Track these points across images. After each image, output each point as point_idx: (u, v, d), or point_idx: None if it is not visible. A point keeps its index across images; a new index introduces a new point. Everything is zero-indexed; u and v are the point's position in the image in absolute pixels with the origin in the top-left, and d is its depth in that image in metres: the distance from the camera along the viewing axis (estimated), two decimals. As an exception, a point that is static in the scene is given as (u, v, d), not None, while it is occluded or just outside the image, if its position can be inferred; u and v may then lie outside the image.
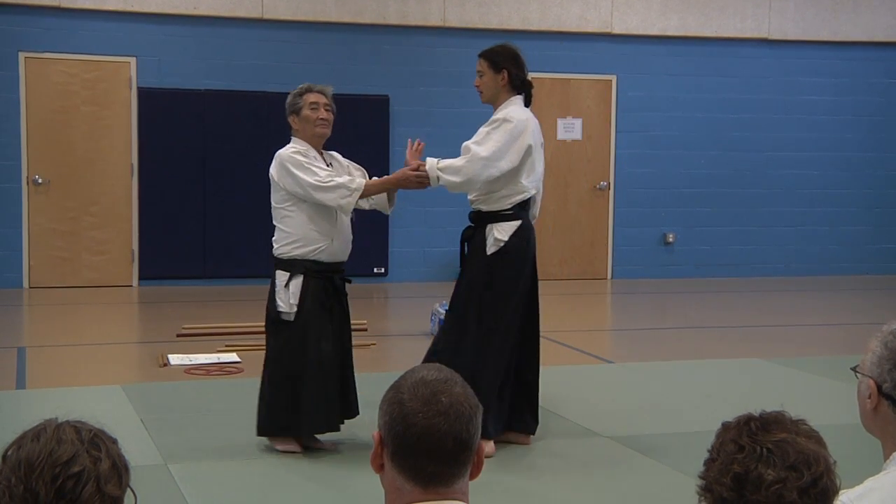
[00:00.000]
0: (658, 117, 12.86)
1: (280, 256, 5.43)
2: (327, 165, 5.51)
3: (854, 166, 13.49)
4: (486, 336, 5.45)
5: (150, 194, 11.54)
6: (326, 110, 5.55)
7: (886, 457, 2.37)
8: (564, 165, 12.73)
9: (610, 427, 6.03)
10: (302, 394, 5.31)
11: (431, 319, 8.94)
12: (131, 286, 11.53)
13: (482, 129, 5.52)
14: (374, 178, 5.57)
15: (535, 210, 5.79)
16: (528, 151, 5.51)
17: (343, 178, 5.36)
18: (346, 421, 5.54)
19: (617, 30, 12.64)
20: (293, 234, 5.39)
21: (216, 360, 7.57)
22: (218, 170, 11.58)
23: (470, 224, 5.69)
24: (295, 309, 5.32)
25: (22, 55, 11.15)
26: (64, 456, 1.72)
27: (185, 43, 11.55)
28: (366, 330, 8.88)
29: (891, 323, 2.44)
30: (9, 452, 1.75)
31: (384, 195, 5.63)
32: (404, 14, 12.02)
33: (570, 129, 12.66)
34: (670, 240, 13.02)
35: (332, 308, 5.40)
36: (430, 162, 5.49)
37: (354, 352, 8.17)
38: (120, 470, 1.77)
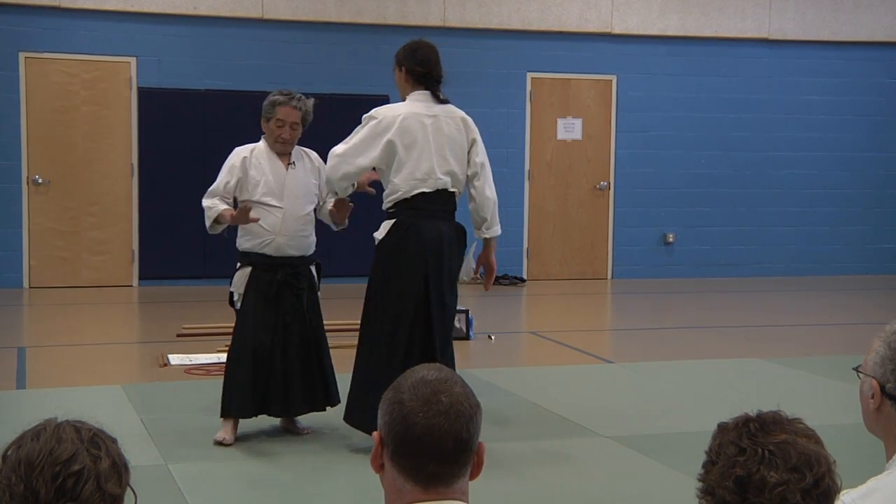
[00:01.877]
0: (658, 117, 12.85)
1: (238, 247, 5.74)
2: (288, 165, 5.69)
3: (854, 166, 13.49)
4: (363, 341, 5.42)
5: (150, 194, 11.54)
6: (293, 128, 5.67)
7: (889, 457, 2.37)
8: (564, 165, 12.73)
9: (610, 427, 6.03)
10: (233, 378, 5.58)
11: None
12: (131, 286, 11.53)
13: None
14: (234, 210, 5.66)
15: (484, 212, 5.56)
16: (391, 148, 5.35)
17: (210, 200, 5.68)
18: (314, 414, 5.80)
19: (617, 30, 12.63)
20: (244, 227, 5.64)
21: (216, 360, 7.56)
22: (218, 170, 11.55)
23: None
24: (237, 297, 5.64)
25: (22, 55, 11.14)
26: (64, 455, 1.72)
27: (185, 43, 11.55)
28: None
29: (893, 323, 2.43)
30: (9, 452, 1.75)
31: (326, 212, 5.80)
32: (404, 14, 12.01)
33: (570, 129, 12.66)
34: (670, 240, 13.02)
35: (277, 300, 5.56)
36: None
37: (354, 352, 8.18)
38: (120, 469, 1.77)
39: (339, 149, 5.46)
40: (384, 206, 5.50)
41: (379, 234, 5.43)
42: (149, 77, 11.44)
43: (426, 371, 1.97)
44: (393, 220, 5.40)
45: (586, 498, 4.98)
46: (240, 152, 5.73)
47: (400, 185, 5.39)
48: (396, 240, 5.36)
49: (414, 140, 5.38)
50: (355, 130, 5.49)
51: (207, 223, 5.69)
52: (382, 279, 5.39)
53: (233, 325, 5.76)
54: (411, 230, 5.35)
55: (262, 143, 5.75)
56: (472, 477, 1.98)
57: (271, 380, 5.56)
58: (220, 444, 5.52)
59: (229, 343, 5.76)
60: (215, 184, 5.72)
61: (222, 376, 5.67)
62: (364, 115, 5.50)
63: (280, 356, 5.57)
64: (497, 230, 5.69)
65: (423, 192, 5.39)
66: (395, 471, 1.92)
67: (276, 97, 5.69)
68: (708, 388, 7.12)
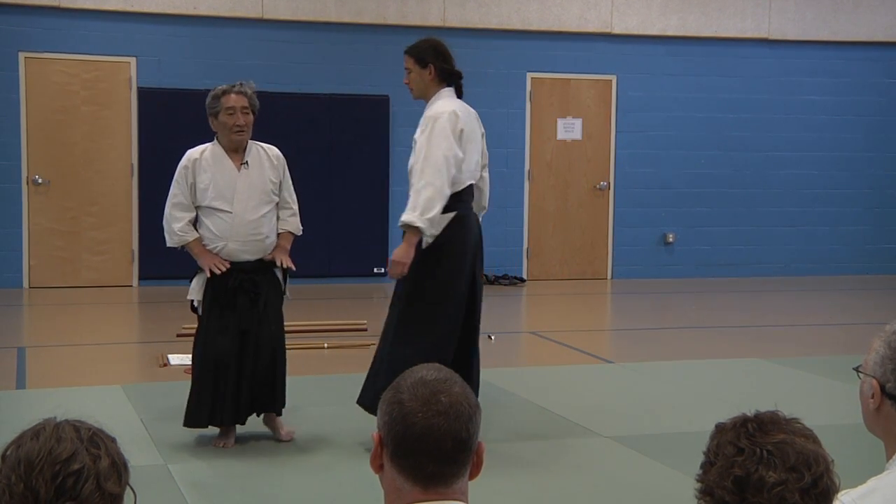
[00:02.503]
0: (658, 117, 12.85)
1: None
2: (241, 165, 5.53)
3: (854, 166, 13.49)
4: (416, 333, 5.40)
5: (150, 194, 11.53)
6: (244, 113, 5.51)
7: (889, 457, 2.37)
8: (564, 165, 12.73)
9: (610, 427, 6.03)
10: (197, 386, 5.49)
11: (431, 319, 8.92)
12: (131, 286, 11.53)
13: (419, 140, 5.40)
14: (200, 247, 5.54)
15: (484, 201, 5.77)
16: (462, 137, 5.42)
17: (182, 223, 5.54)
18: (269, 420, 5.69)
19: (617, 30, 12.63)
20: (200, 232, 5.57)
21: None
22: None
23: None
24: (196, 303, 5.52)
25: (22, 55, 11.15)
26: (64, 454, 1.72)
27: (185, 43, 11.55)
28: (366, 330, 8.88)
29: (893, 322, 2.43)
30: (8, 451, 1.76)
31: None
32: (404, 14, 12.02)
33: (570, 129, 12.66)
34: (670, 240, 13.02)
35: (234, 306, 5.42)
36: (405, 219, 5.33)
37: (354, 352, 8.17)
38: (119, 468, 1.77)
39: (429, 165, 5.32)
40: None
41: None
42: (149, 77, 11.45)
43: (425, 371, 1.97)
44: (453, 213, 5.40)
45: (586, 498, 4.98)
46: (190, 155, 5.59)
47: (459, 177, 5.43)
48: (458, 233, 5.42)
49: (470, 134, 5.49)
50: (424, 143, 5.35)
51: (172, 240, 5.58)
52: (453, 273, 5.40)
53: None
54: (465, 221, 5.47)
55: (213, 145, 5.60)
56: (472, 477, 1.98)
57: (228, 387, 5.43)
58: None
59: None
60: (178, 197, 5.58)
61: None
62: (423, 119, 5.45)
63: (237, 363, 5.44)
64: None
65: (470, 185, 5.55)
66: (395, 471, 1.92)
67: (217, 89, 5.60)
68: (708, 388, 7.12)
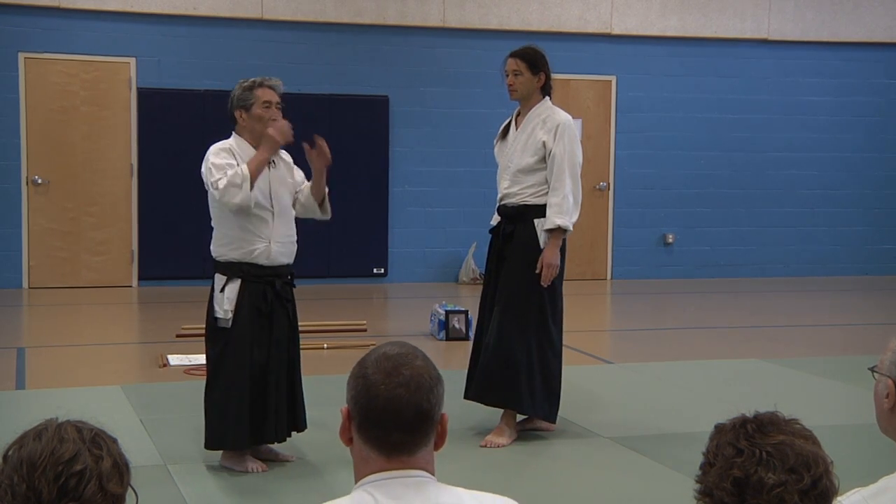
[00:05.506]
0: (658, 118, 12.86)
1: (217, 259, 5.19)
2: (269, 163, 5.21)
3: (854, 167, 13.50)
4: (549, 326, 5.64)
5: (150, 194, 11.54)
6: (278, 109, 5.22)
7: (902, 457, 2.36)
8: (564, 166, 12.72)
9: (610, 427, 6.03)
10: (239, 405, 5.04)
11: (431, 320, 8.94)
12: (131, 286, 11.54)
13: (555, 145, 5.73)
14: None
15: None
16: None
17: (230, 172, 5.00)
18: (293, 434, 5.30)
19: (616, 30, 12.64)
20: (228, 236, 5.14)
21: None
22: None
23: (502, 220, 5.79)
24: (230, 315, 5.06)
25: (22, 55, 11.15)
26: (66, 454, 1.73)
27: (184, 43, 11.56)
28: (365, 330, 8.88)
29: None
30: (10, 452, 1.76)
31: (310, 197, 5.38)
32: (404, 14, 12.02)
33: (569, 129, 12.65)
34: (670, 240, 13.02)
35: (270, 315, 5.09)
36: (550, 223, 5.57)
37: (354, 352, 8.15)
38: (121, 468, 1.78)
39: (575, 166, 5.74)
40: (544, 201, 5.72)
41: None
42: (148, 77, 11.45)
43: (388, 347, 2.07)
44: None
45: (586, 498, 4.98)
46: (222, 145, 5.18)
47: None
48: None
49: None
50: (567, 146, 5.75)
51: (240, 194, 4.95)
52: (560, 277, 5.70)
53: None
54: None
55: (237, 140, 5.20)
56: (437, 447, 2.06)
57: (264, 404, 5.09)
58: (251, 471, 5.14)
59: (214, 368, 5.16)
60: (222, 167, 5.06)
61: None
62: (556, 125, 5.81)
63: (272, 377, 5.11)
64: None
65: None
66: (362, 441, 2.01)
67: (249, 82, 5.17)
68: (708, 388, 7.12)
